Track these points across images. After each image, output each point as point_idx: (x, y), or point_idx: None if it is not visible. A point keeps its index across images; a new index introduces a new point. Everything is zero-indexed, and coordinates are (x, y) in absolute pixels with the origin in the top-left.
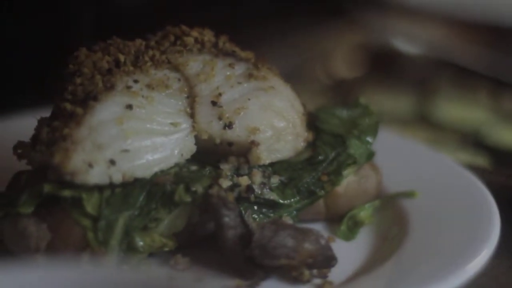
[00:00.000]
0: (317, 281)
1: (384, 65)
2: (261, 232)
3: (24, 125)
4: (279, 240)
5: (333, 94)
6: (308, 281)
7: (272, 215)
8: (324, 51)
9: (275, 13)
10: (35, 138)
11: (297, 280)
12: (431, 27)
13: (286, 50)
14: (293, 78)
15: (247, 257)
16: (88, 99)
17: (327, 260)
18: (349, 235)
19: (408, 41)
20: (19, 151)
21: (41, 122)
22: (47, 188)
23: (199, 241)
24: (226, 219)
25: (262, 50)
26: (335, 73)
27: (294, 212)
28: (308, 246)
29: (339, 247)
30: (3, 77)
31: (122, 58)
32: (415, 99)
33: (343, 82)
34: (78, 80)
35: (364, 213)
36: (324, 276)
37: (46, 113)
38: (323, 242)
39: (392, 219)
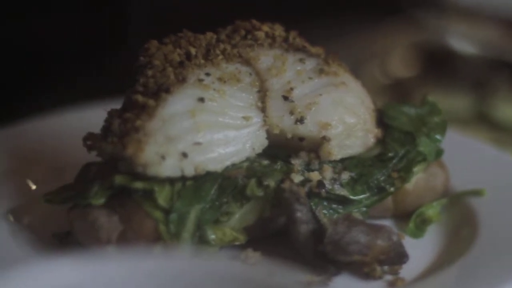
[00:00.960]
0: (389, 277)
1: (440, 65)
2: (334, 227)
3: (91, 116)
4: (352, 236)
5: (390, 93)
6: (380, 277)
7: (341, 211)
8: (381, 50)
9: (331, 12)
10: (106, 129)
11: (368, 276)
12: (487, 27)
13: (343, 49)
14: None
15: (319, 253)
16: (160, 91)
17: (399, 257)
18: (417, 232)
19: (464, 40)
20: (89, 142)
21: (112, 113)
22: (118, 179)
23: (270, 236)
24: (299, 214)
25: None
26: (392, 73)
27: (364, 208)
28: (380, 242)
29: (408, 244)
30: (69, 69)
31: (193, 51)
32: (473, 99)
33: (400, 81)
34: (150, 72)
35: (432, 211)
36: (395, 273)
37: (114, 105)
38: (395, 238)
39: (460, 217)
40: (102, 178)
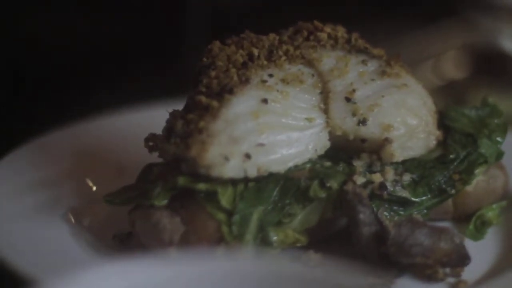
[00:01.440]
0: (451, 279)
1: (493, 67)
2: (398, 230)
3: (152, 117)
4: (415, 238)
5: (443, 95)
6: (442, 279)
7: (402, 213)
8: (434, 52)
9: (384, 13)
10: (169, 130)
11: (431, 278)
12: None
13: (395, 50)
14: None
15: (382, 255)
16: (224, 92)
17: (462, 259)
18: (477, 235)
19: None
20: (151, 143)
21: (175, 114)
22: (181, 180)
23: (332, 238)
24: (362, 216)
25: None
26: (445, 74)
27: (425, 210)
28: (443, 245)
29: (468, 247)
30: (131, 69)
31: (256, 52)
32: None
33: (453, 83)
34: (213, 73)
35: (492, 213)
36: (458, 275)
37: (175, 105)
38: (458, 240)
39: None
40: (164, 179)
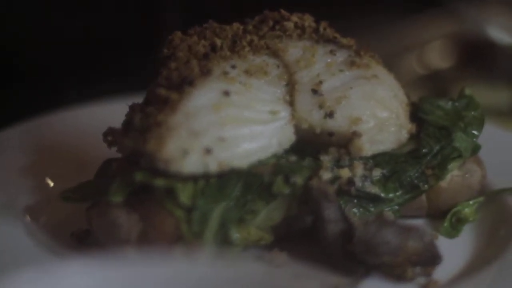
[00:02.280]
0: (421, 279)
1: (479, 56)
2: (364, 227)
3: (112, 111)
4: (383, 236)
5: (428, 85)
6: (411, 279)
7: (373, 209)
8: (419, 41)
9: (370, 3)
10: (128, 124)
11: (400, 278)
12: None
13: (380, 40)
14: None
15: (348, 253)
16: (184, 84)
17: (432, 258)
18: (453, 232)
19: (503, 32)
20: (110, 138)
21: (134, 108)
22: (139, 176)
23: (297, 235)
24: (327, 213)
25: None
26: (430, 64)
27: (396, 207)
28: (412, 243)
29: (442, 244)
30: (90, 63)
31: (218, 42)
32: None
33: (438, 73)
34: (173, 65)
35: (468, 210)
36: (428, 275)
37: (137, 99)
38: (428, 239)
39: (498, 216)
40: (122, 175)
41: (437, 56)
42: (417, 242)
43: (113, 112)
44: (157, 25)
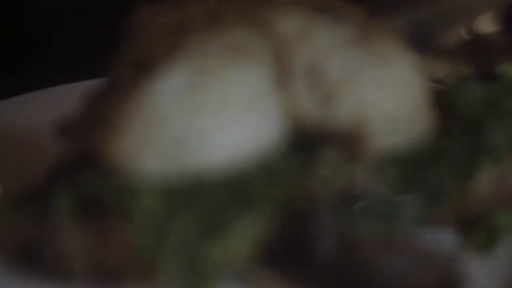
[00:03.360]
0: None
1: None
2: (365, 250)
3: (64, 98)
4: (388, 263)
5: (469, 57)
6: None
7: (382, 217)
8: (472, 10)
9: None
10: (80, 113)
11: None
12: None
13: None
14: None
15: (345, 281)
16: (148, 65)
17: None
18: (486, 246)
19: None
20: (58, 130)
21: (89, 96)
22: (87, 183)
23: (286, 252)
24: (321, 224)
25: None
26: (476, 30)
27: (412, 216)
28: (425, 277)
29: (473, 260)
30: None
31: (191, 17)
32: None
33: (486, 43)
34: (138, 43)
35: (505, 219)
36: None
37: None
38: (451, 269)
39: None
40: (69, 183)
41: (489, 26)
42: (433, 275)
43: (65, 99)
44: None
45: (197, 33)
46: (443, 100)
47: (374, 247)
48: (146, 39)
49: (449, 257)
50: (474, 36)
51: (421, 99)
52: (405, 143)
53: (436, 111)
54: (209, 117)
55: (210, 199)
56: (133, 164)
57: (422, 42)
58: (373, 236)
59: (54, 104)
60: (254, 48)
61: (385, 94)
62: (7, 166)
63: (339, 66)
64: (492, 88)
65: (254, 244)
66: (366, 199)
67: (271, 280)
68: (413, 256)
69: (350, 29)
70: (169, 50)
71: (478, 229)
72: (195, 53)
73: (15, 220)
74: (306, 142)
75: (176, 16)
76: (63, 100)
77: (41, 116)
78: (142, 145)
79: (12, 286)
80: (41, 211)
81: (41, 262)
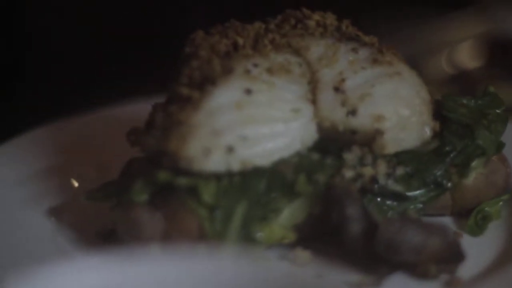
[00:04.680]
0: (445, 277)
1: (508, 57)
2: (387, 226)
3: (136, 111)
4: (406, 235)
5: (456, 85)
6: (434, 277)
7: (396, 208)
8: (449, 41)
9: (400, 2)
10: (150, 123)
11: (423, 275)
12: None
13: (410, 40)
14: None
15: (371, 252)
16: (206, 83)
17: (455, 256)
18: (477, 230)
19: None
20: (132, 137)
21: (156, 107)
22: (162, 176)
23: (320, 234)
24: (350, 211)
25: (383, 38)
26: (459, 63)
27: (420, 205)
28: (435, 241)
29: (467, 242)
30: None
31: (240, 41)
32: None
33: (467, 72)
34: (195, 64)
35: (493, 208)
36: (452, 272)
37: (161, 99)
38: (451, 238)
39: None
40: (145, 175)
41: (467, 55)
42: (440, 240)
43: (135, 112)
44: (176, 26)
45: (245, 55)
46: (439, 110)
47: (392, 223)
48: (200, 61)
49: (450, 229)
50: (457, 70)
51: (426, 107)
52: (413, 145)
53: (435, 119)
54: (257, 127)
55: (261, 193)
56: (198, 164)
57: None
58: (391, 216)
59: (125, 117)
60: (293, 69)
61: (398, 103)
62: (85, 167)
63: (359, 82)
64: (480, 102)
65: (295, 227)
66: (382, 193)
67: (308, 257)
68: (425, 228)
69: (368, 52)
70: (222, 70)
71: (471, 216)
72: (245, 72)
73: (95, 208)
74: (334, 146)
75: (226, 40)
76: (133, 114)
77: (115, 127)
78: (205, 150)
79: (93, 266)
80: (120, 199)
81: (118, 243)
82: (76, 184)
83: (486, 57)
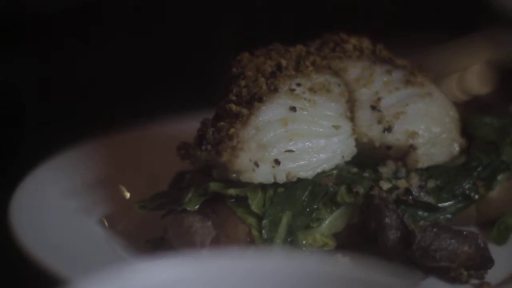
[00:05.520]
0: (475, 281)
1: None
2: (423, 234)
3: (179, 128)
4: (441, 243)
5: (467, 109)
6: (466, 282)
7: (427, 218)
8: (459, 67)
9: (411, 28)
10: (200, 138)
11: (455, 280)
12: None
13: (417, 64)
14: None
15: (407, 258)
16: (254, 100)
17: (485, 262)
18: (501, 240)
19: None
20: (182, 151)
21: (205, 123)
22: (213, 186)
23: (359, 242)
24: (388, 220)
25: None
26: (469, 89)
27: (449, 215)
28: (467, 249)
29: (491, 251)
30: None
31: (284, 62)
32: None
33: (477, 98)
34: (243, 83)
35: None
36: (481, 277)
37: (203, 115)
38: (481, 244)
39: None
40: (196, 185)
41: (477, 81)
42: (472, 247)
43: (181, 128)
44: (211, 49)
45: (289, 75)
46: (466, 128)
47: (428, 232)
48: (247, 80)
49: (479, 237)
50: (467, 95)
51: (454, 125)
52: (443, 160)
53: (463, 136)
54: (301, 142)
55: (305, 203)
56: (247, 176)
57: None
58: (423, 224)
59: (172, 132)
60: (332, 89)
61: (430, 121)
62: (136, 179)
63: (394, 101)
64: (501, 120)
65: (336, 235)
66: (415, 204)
67: (348, 262)
68: (457, 236)
69: (401, 74)
70: (268, 88)
71: (494, 227)
72: (289, 91)
73: (145, 217)
74: (371, 160)
75: (270, 62)
76: (181, 130)
77: (163, 142)
78: (254, 162)
79: (145, 269)
80: (172, 208)
81: (168, 249)
82: (128, 194)
83: (496, 83)
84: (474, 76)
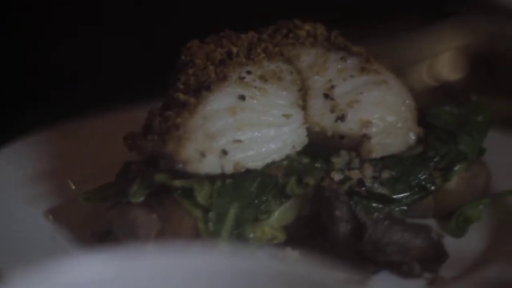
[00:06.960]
0: (428, 276)
1: (488, 69)
2: (374, 227)
3: (131, 117)
4: (391, 236)
5: (437, 96)
6: (418, 275)
7: (381, 210)
8: (430, 53)
9: (380, 15)
10: (147, 127)
11: (407, 274)
12: None
13: (391, 51)
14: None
15: (358, 251)
16: (201, 89)
17: (438, 256)
18: (459, 232)
19: None
20: (129, 141)
21: (153, 112)
22: (158, 178)
23: (309, 234)
24: (338, 212)
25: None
26: (439, 76)
27: (404, 207)
28: (420, 242)
29: (448, 243)
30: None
31: (234, 50)
32: None
33: (448, 84)
34: (191, 71)
35: (474, 211)
36: (435, 271)
37: (156, 104)
38: (435, 238)
39: (502, 217)
40: (142, 177)
41: (448, 67)
42: (424, 241)
43: (130, 117)
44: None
45: (239, 63)
46: (423, 117)
47: (379, 225)
48: (196, 68)
49: (433, 230)
50: (438, 82)
51: (411, 114)
52: (398, 150)
53: (420, 125)
54: (250, 132)
55: (253, 195)
56: (194, 167)
57: None
58: (376, 217)
59: (121, 122)
60: (284, 77)
61: (385, 109)
62: (82, 170)
63: (348, 89)
64: (462, 109)
65: (285, 227)
66: (368, 196)
67: (297, 257)
68: (410, 229)
69: (356, 61)
70: (217, 77)
71: (452, 218)
72: (238, 79)
73: (91, 209)
74: (323, 150)
75: (221, 49)
76: (133, 119)
77: (111, 132)
78: (200, 153)
79: (89, 262)
80: (117, 200)
81: (114, 241)
82: (73, 186)
83: (466, 69)
84: (445, 63)
